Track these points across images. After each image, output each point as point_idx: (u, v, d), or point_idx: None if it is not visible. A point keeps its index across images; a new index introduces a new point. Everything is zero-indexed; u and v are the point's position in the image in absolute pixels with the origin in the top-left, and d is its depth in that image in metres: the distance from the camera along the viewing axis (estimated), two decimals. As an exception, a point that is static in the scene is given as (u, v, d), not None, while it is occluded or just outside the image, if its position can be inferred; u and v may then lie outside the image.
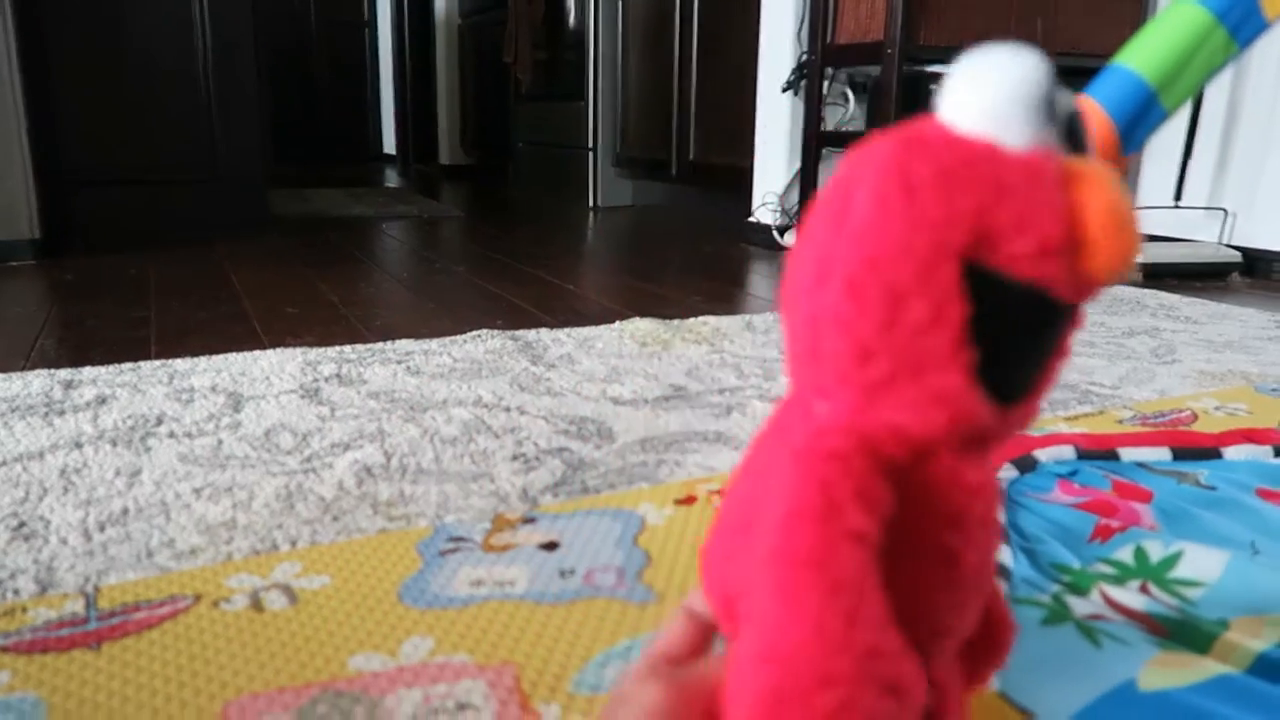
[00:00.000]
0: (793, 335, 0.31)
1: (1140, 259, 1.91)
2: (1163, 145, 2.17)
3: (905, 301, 0.27)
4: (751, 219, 2.45)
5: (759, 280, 1.92)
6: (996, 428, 0.29)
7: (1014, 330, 0.28)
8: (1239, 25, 0.45)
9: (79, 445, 0.84)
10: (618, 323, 1.39)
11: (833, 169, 1.93)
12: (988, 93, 0.27)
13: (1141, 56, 0.46)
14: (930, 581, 0.30)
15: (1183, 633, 0.54)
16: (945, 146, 0.28)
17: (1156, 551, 0.62)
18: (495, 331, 1.30)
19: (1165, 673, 0.49)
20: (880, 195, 0.28)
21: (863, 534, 0.27)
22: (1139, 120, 0.46)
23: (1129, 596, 0.57)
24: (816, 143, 2.16)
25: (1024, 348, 0.29)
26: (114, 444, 0.84)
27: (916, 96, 1.98)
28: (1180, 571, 0.61)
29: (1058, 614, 0.55)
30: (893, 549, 0.29)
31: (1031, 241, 0.26)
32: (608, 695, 0.48)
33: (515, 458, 0.83)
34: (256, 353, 1.18)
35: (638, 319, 1.41)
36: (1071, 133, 0.29)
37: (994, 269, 0.27)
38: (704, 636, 0.37)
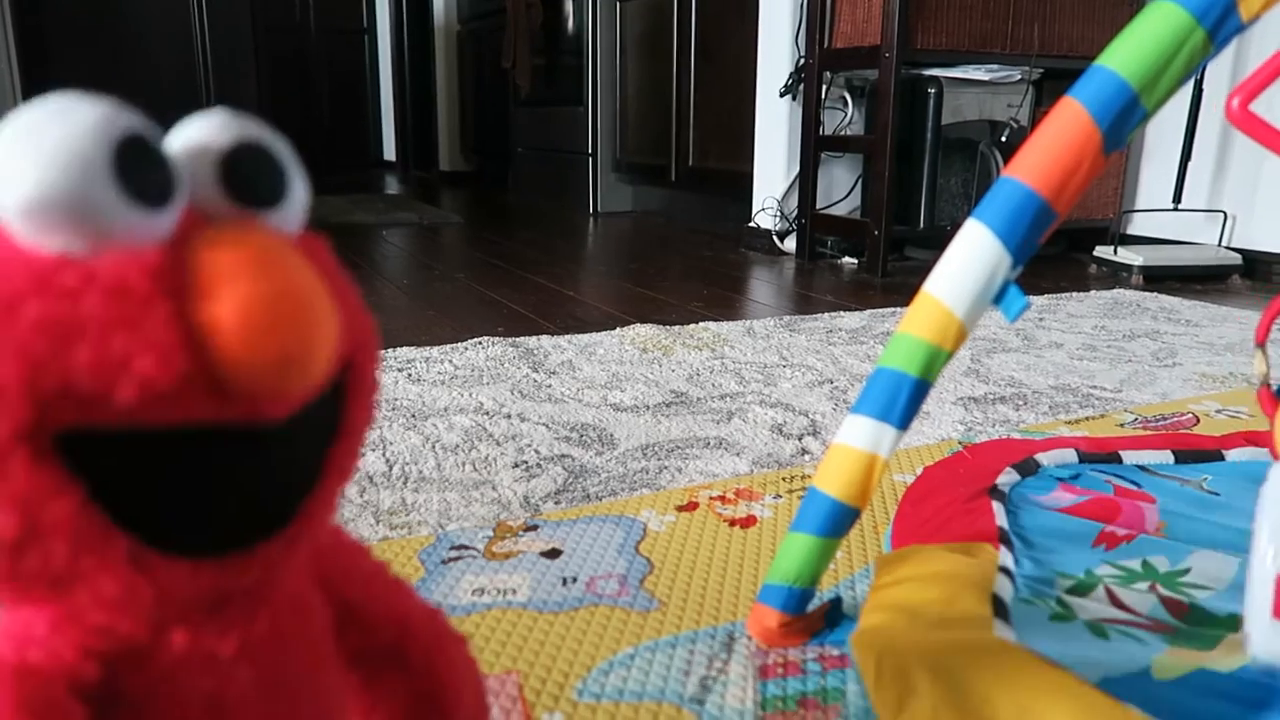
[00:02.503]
0: None
1: (1143, 261, 1.91)
2: (1162, 148, 2.17)
3: None
4: (751, 224, 2.46)
5: (759, 286, 1.93)
6: (237, 575, 0.23)
7: (188, 476, 0.21)
8: (1217, 25, 0.45)
9: (81, 455, 0.84)
10: (618, 329, 1.39)
11: (832, 172, 1.92)
12: (26, 178, 0.19)
13: (1122, 57, 0.46)
14: None
15: (1191, 624, 0.54)
16: None
17: (1163, 565, 0.63)
18: (496, 338, 1.30)
19: (1175, 665, 0.49)
20: None
21: None
22: (1122, 120, 0.47)
23: (1135, 597, 0.58)
24: (816, 147, 2.16)
25: (217, 487, 0.22)
26: (116, 454, 0.84)
27: (914, 100, 1.99)
28: (1189, 578, 0.61)
29: (1065, 615, 0.56)
30: None
31: (132, 390, 0.19)
32: (610, 704, 0.48)
33: (517, 465, 0.83)
34: (257, 361, 1.18)
35: (638, 325, 1.41)
36: (239, 178, 0.22)
37: (110, 426, 0.20)
38: None
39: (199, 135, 0.22)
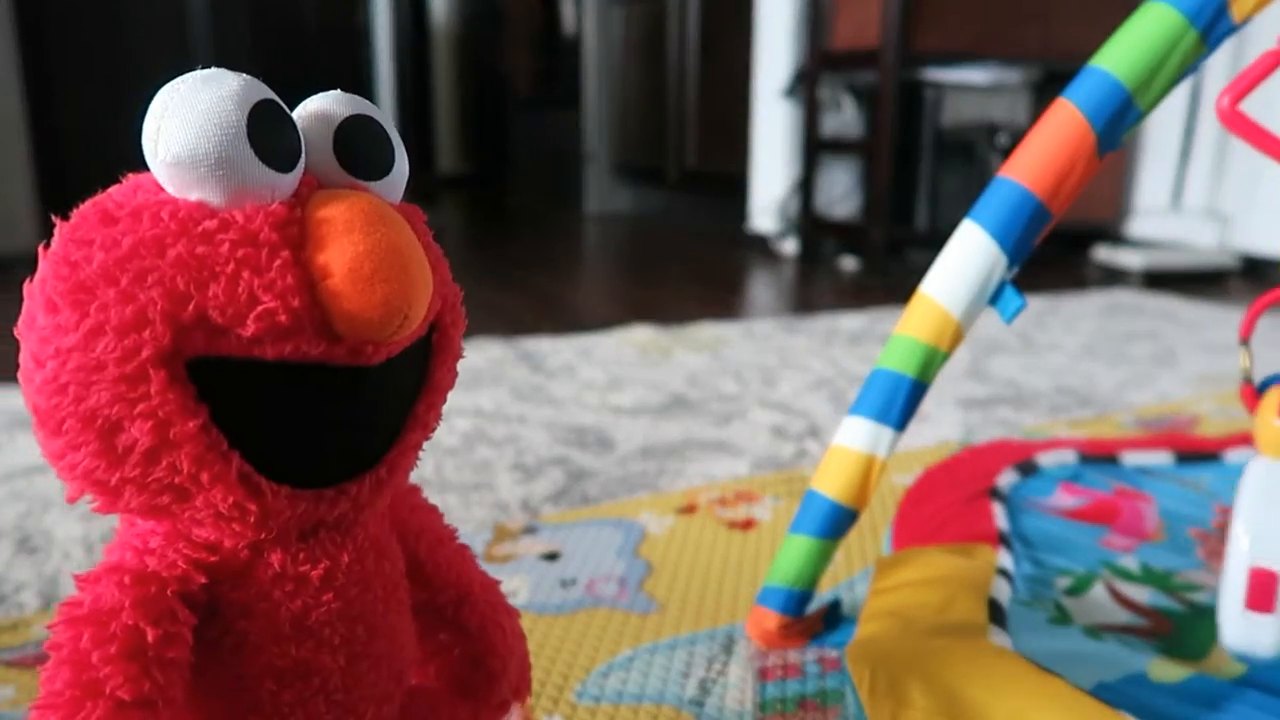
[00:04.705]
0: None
1: (1141, 264, 1.91)
2: (1161, 150, 2.17)
3: (119, 430, 0.23)
4: (750, 226, 2.46)
5: (758, 287, 1.93)
6: (329, 508, 0.26)
7: (295, 409, 0.24)
8: (1209, 27, 0.45)
9: (80, 458, 0.84)
10: (617, 330, 1.39)
11: (830, 175, 1.90)
12: (178, 138, 0.22)
13: (1115, 59, 0.46)
14: (288, 703, 0.27)
15: (1185, 629, 0.54)
16: (131, 222, 0.23)
17: (1161, 570, 0.63)
18: (495, 340, 1.30)
19: (1172, 670, 0.49)
20: (49, 303, 0.23)
21: (137, 701, 0.23)
22: (1116, 121, 0.47)
23: (1134, 590, 0.58)
24: (814, 149, 2.16)
25: (318, 421, 0.25)
26: (115, 457, 0.84)
27: (913, 102, 1.99)
28: (1186, 579, 0.61)
29: (1062, 619, 0.55)
30: (232, 678, 0.26)
31: (255, 324, 0.22)
32: (610, 706, 0.48)
33: (516, 467, 0.83)
34: (257, 364, 1.18)
35: (638, 327, 1.41)
36: (352, 150, 0.25)
37: (232, 357, 0.23)
38: None
39: (319, 110, 0.25)
